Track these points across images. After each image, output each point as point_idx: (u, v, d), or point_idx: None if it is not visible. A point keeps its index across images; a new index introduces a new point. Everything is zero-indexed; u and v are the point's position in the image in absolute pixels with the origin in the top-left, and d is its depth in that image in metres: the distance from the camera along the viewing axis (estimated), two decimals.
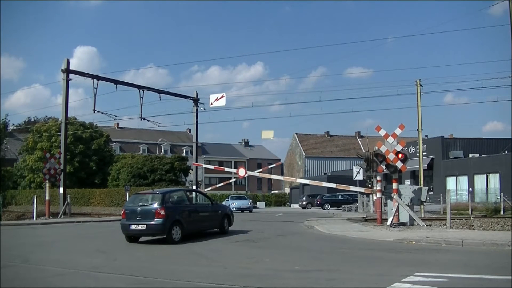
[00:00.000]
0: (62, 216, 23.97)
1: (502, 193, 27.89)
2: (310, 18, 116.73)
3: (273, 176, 37.17)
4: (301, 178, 43.09)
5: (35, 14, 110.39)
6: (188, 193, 15.06)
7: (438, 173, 41.09)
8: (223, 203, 33.24)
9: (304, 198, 43.94)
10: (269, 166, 39.04)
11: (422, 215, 22.43)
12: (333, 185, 26.45)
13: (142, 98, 28.10)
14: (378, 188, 16.91)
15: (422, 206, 24.58)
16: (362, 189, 26.66)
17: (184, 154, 66.39)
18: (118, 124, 68.63)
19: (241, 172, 22.31)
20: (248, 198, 42.56)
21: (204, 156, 76.42)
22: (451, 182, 38.68)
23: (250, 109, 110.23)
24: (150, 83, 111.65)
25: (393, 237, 12.83)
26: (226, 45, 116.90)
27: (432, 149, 41.54)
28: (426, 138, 43.79)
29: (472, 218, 18.82)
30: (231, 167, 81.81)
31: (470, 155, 40.20)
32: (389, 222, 15.91)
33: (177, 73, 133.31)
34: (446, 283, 6.81)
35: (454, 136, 50.70)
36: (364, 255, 10.08)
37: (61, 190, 25.41)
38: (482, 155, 39.29)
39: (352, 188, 27.56)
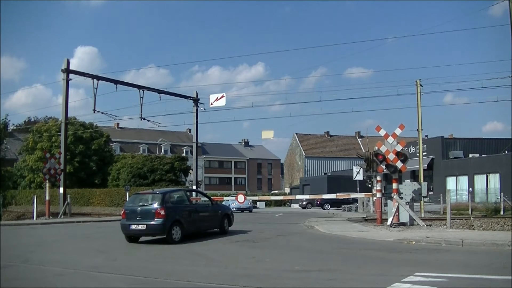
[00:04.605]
0: (62, 216, 23.96)
1: (502, 193, 27.88)
2: (310, 18, 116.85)
3: (271, 197, 37.29)
4: (301, 195, 43.45)
5: (36, 15, 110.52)
6: (188, 193, 15.07)
7: (438, 173, 41.08)
8: (223, 203, 33.18)
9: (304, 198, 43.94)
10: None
11: (422, 215, 22.43)
12: (333, 196, 26.70)
13: (142, 98, 28.12)
14: (378, 188, 16.91)
15: (422, 206, 24.63)
16: (362, 195, 26.72)
17: (184, 154, 66.40)
18: (118, 124, 68.64)
19: (240, 198, 22.68)
20: None
21: (204, 156, 76.43)
22: (451, 182, 38.68)
23: (250, 109, 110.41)
24: (150, 83, 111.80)
25: (393, 237, 12.83)
26: (227, 45, 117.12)
27: (432, 149, 41.54)
28: (426, 138, 43.82)
29: (472, 218, 18.80)
30: (231, 167, 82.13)
31: (470, 155, 40.20)
32: (389, 222, 15.91)
33: (177, 73, 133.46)
34: (446, 283, 6.81)
35: (454, 136, 50.71)
36: (364, 255, 10.08)
37: (61, 190, 25.40)
38: (482, 155, 39.30)
39: (353, 195, 27.72)
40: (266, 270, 8.28)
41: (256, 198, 38.82)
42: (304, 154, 72.36)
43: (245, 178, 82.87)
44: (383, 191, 18.01)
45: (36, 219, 23.22)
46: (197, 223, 13.84)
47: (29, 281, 7.57)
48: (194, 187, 31.29)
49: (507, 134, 61.08)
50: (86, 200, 42.54)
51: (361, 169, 27.47)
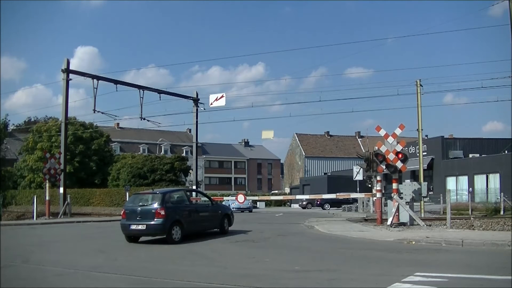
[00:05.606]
0: (62, 216, 23.95)
1: (502, 193, 27.88)
2: (310, 18, 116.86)
3: (271, 197, 37.10)
4: (301, 195, 43.51)
5: (36, 15, 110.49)
6: (188, 193, 15.06)
7: (438, 173, 41.09)
8: (223, 203, 33.21)
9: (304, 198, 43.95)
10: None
11: (422, 215, 22.44)
12: (333, 196, 26.77)
13: (142, 98, 28.08)
14: (378, 188, 16.91)
15: (422, 206, 24.63)
16: (362, 195, 26.72)
17: (184, 154, 66.39)
18: (118, 124, 68.66)
19: (240, 198, 22.73)
20: None
21: (204, 156, 76.43)
22: (451, 182, 38.68)
23: (250, 109, 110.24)
24: (150, 83, 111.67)
25: (393, 237, 12.84)
26: (227, 45, 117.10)
27: (432, 149, 41.54)
28: (426, 138, 43.82)
29: (472, 218, 18.82)
30: (231, 167, 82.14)
31: (470, 155, 40.21)
32: (389, 222, 15.91)
33: (177, 73, 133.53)
34: (446, 283, 6.81)
35: (454, 136, 50.70)
36: (364, 255, 10.08)
37: (61, 190, 25.39)
38: (482, 155, 39.30)
39: (353, 195, 27.75)
40: (266, 270, 8.28)
41: (256, 198, 38.82)
42: (304, 154, 72.35)
43: (245, 178, 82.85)
44: (383, 191, 18.01)
45: (36, 219, 23.22)
46: (197, 223, 13.84)
47: (29, 281, 7.56)
48: (194, 187, 31.28)
49: (507, 134, 61.10)
50: (86, 200, 42.55)
51: (361, 169, 27.45)
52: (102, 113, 26.99)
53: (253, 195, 47.29)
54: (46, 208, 23.73)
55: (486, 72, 66.95)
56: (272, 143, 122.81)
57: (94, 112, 26.36)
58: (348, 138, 78.36)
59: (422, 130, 26.70)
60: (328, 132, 77.98)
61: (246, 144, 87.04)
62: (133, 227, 12.42)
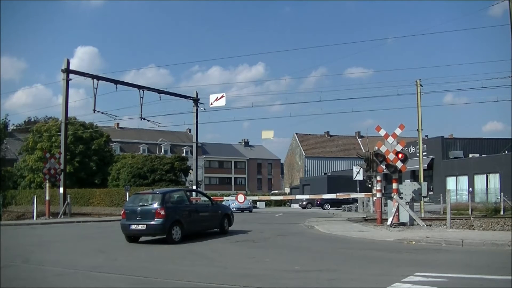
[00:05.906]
0: (62, 216, 23.95)
1: (502, 193, 27.88)
2: (310, 18, 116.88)
3: (271, 197, 36.97)
4: (301, 195, 43.50)
5: (36, 15, 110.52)
6: (188, 193, 15.06)
7: (438, 173, 41.09)
8: (223, 203, 33.19)
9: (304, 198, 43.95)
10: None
11: (422, 215, 22.44)
12: (333, 196, 26.79)
13: (142, 98, 28.07)
14: (378, 188, 16.91)
15: (422, 206, 24.63)
16: (362, 195, 26.73)
17: (184, 154, 66.39)
18: (118, 124, 68.67)
19: (240, 198, 22.75)
20: None
21: (204, 156, 76.43)
22: (451, 182, 38.67)
23: (250, 109, 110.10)
24: (150, 83, 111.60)
25: (393, 237, 12.84)
26: (227, 45, 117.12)
27: (432, 149, 41.54)
28: (426, 138, 43.81)
29: (472, 218, 18.82)
30: (231, 167, 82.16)
31: (470, 155, 40.21)
32: (389, 222, 15.91)
33: (177, 73, 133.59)
34: (446, 283, 6.81)
35: (454, 136, 50.71)
36: (364, 255, 10.08)
37: (61, 190, 25.39)
38: (482, 155, 39.30)
39: (353, 195, 27.78)
40: (266, 270, 8.28)
41: (256, 198, 38.82)
42: (304, 154, 72.35)
43: (245, 178, 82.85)
44: (383, 191, 18.01)
45: (36, 219, 23.22)
46: (197, 223, 13.84)
47: (29, 281, 7.56)
48: (194, 187, 31.28)
49: (507, 134, 61.19)
50: (86, 200, 42.54)
51: (361, 169, 27.44)
52: (102, 113, 27.03)
53: (253, 195, 47.27)
54: (46, 208, 23.73)
55: (486, 72, 67.13)
56: (272, 143, 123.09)
57: (94, 112, 26.40)
58: (348, 138, 78.37)
59: (422, 130, 26.69)
60: (328, 132, 77.99)
61: (246, 144, 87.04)
62: (133, 227, 12.42)
